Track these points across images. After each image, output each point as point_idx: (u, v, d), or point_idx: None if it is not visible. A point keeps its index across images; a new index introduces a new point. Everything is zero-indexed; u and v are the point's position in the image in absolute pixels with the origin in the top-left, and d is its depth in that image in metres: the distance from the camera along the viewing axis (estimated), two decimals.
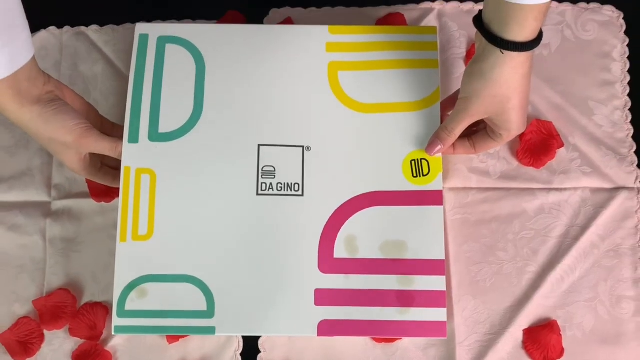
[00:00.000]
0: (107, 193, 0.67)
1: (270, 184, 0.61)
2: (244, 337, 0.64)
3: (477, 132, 0.62)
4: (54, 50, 0.73)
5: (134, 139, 0.61)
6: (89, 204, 0.68)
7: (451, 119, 0.60)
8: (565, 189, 0.67)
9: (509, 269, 0.66)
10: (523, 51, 0.53)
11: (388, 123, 0.63)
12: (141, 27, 0.64)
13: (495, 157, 0.68)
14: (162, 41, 0.64)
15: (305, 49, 0.64)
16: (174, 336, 0.63)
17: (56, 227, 0.67)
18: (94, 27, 0.74)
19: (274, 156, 0.61)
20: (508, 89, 0.55)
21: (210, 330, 0.58)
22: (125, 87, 0.64)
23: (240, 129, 0.62)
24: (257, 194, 0.60)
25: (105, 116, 0.65)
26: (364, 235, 0.60)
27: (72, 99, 0.60)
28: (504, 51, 0.53)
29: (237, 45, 0.64)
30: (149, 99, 0.62)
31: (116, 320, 0.57)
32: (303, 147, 0.62)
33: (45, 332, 0.65)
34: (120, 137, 0.61)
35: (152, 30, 0.64)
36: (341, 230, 0.60)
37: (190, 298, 0.58)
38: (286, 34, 0.65)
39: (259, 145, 0.62)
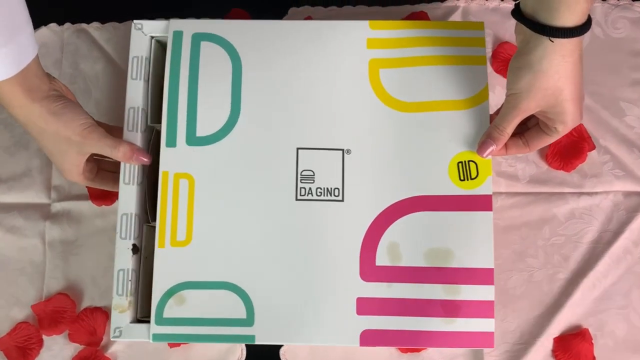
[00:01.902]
0: (107, 196, 0.67)
1: (310, 188, 0.59)
2: (247, 345, 0.64)
3: (529, 128, 0.59)
4: (55, 48, 0.72)
5: (171, 142, 0.60)
6: (89, 206, 0.67)
7: (501, 117, 0.56)
8: (596, 193, 0.65)
9: (540, 276, 0.64)
10: (574, 37, 0.50)
11: (433, 123, 0.60)
12: (175, 24, 0.62)
13: (524, 161, 0.66)
14: (197, 38, 0.62)
15: (344, 46, 0.61)
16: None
17: (55, 230, 0.67)
18: (96, 24, 0.73)
19: (313, 160, 0.59)
20: (559, 79, 0.51)
21: (250, 339, 0.57)
22: (125, 86, 0.62)
23: (278, 131, 0.60)
24: (296, 199, 0.59)
25: (106, 115, 0.64)
26: (407, 242, 0.58)
27: (73, 99, 0.59)
28: (553, 39, 0.50)
29: (273, 42, 0.62)
30: (185, 100, 0.61)
31: (154, 328, 0.57)
32: (343, 150, 0.59)
33: (45, 337, 0.65)
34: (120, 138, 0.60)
35: (186, 26, 0.62)
36: (383, 236, 0.58)
37: (229, 306, 0.57)
38: (325, 29, 0.62)
39: (298, 149, 0.60)
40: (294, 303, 0.57)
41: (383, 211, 0.58)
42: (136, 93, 0.62)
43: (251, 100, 0.61)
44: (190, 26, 0.62)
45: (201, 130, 0.60)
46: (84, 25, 0.73)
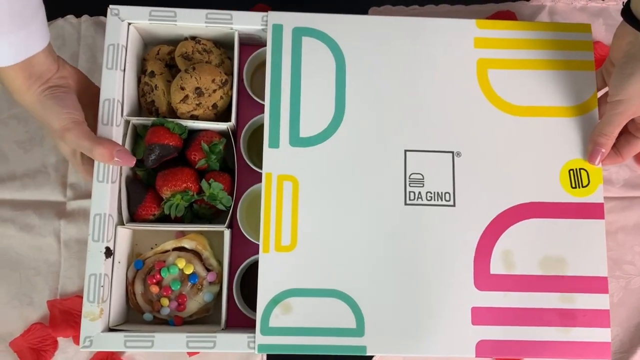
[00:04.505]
0: None
1: (419, 192, 0.57)
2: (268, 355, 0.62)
3: (618, 137, 0.57)
4: (72, 41, 0.69)
5: (274, 143, 0.57)
6: None
7: (607, 123, 0.55)
8: None
9: (637, 283, 0.63)
10: None
11: (543, 128, 0.58)
12: (274, 16, 0.59)
13: (616, 164, 0.65)
14: (298, 33, 0.59)
15: (452, 44, 0.59)
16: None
17: (71, 229, 0.64)
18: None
19: (421, 162, 0.57)
20: None
21: (361, 350, 0.54)
22: None
23: (385, 132, 0.58)
24: (405, 204, 0.56)
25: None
26: (521, 249, 0.56)
27: (83, 91, 0.57)
28: None
29: (378, 38, 0.59)
30: (288, 99, 0.58)
31: (260, 339, 0.54)
32: (453, 152, 0.57)
33: (59, 339, 0.62)
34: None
35: (286, 19, 0.59)
36: (497, 244, 0.56)
37: (337, 315, 0.55)
38: (431, 27, 0.60)
39: (406, 151, 0.57)
40: (406, 312, 0.55)
41: (496, 217, 0.56)
42: (112, 84, 0.58)
43: (356, 99, 0.58)
44: (289, 19, 0.59)
45: (305, 131, 0.57)
46: (102, 17, 0.69)
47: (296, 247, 0.56)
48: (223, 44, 0.63)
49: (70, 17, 0.70)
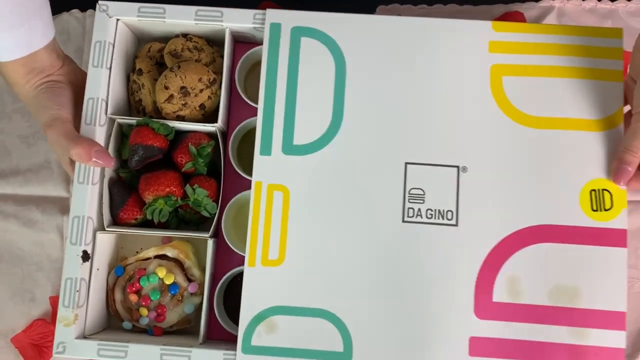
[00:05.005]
0: None
1: (419, 209, 0.52)
2: None
3: None
4: (77, 36, 0.68)
5: (266, 150, 0.54)
6: None
7: (633, 136, 0.49)
8: None
9: None
10: None
11: (563, 142, 0.52)
12: (272, 15, 0.56)
13: None
14: (297, 33, 0.55)
15: (463, 48, 0.54)
16: None
17: None
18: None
19: (423, 177, 0.53)
20: None
21: None
22: None
23: (384, 143, 0.53)
24: (403, 221, 0.52)
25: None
26: (529, 276, 0.51)
27: (81, 93, 0.55)
28: None
29: (383, 40, 0.55)
30: (283, 103, 0.54)
31: (240, 357, 0.51)
32: (458, 167, 0.53)
33: None
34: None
35: (285, 18, 0.56)
36: (502, 269, 0.51)
37: (324, 336, 0.51)
38: (441, 28, 0.55)
39: (406, 164, 0.53)
40: (398, 338, 0.51)
41: (503, 240, 0.51)
42: (97, 82, 0.55)
43: (355, 105, 0.54)
44: (288, 18, 0.56)
45: (299, 138, 0.54)
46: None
47: (284, 261, 0.52)
48: (216, 42, 0.61)
49: (75, 12, 0.69)
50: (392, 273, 0.52)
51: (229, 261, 0.57)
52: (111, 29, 0.57)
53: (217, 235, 0.58)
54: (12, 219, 0.65)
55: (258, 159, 0.54)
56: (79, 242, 0.54)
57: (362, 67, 0.55)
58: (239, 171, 0.57)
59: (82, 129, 0.55)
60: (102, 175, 0.56)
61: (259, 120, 0.54)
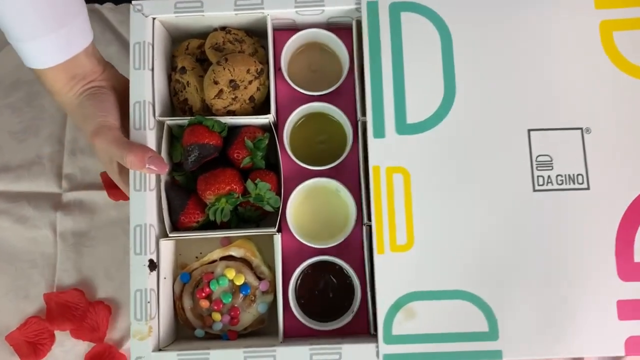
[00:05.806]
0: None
1: (549, 177, 0.51)
2: None
3: None
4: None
5: (379, 133, 0.51)
6: (102, 196, 0.62)
7: None
8: None
9: None
10: None
11: None
12: None
13: None
14: (396, 9, 0.53)
15: (568, 7, 0.53)
16: None
17: (67, 221, 0.62)
18: (109, 5, 0.67)
19: (548, 142, 0.51)
20: None
21: (497, 355, 0.49)
22: None
23: (502, 112, 0.51)
24: (534, 190, 0.50)
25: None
26: None
27: (127, 97, 0.53)
28: None
29: (485, 7, 0.53)
30: (391, 83, 0.52)
31: (383, 348, 0.49)
32: (581, 128, 0.51)
33: (57, 332, 0.60)
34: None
35: None
36: None
37: (467, 317, 0.49)
38: None
39: (529, 131, 0.51)
40: (543, 311, 0.49)
41: (637, 198, 0.50)
42: (141, 85, 0.53)
43: (467, 77, 0.52)
44: None
45: (412, 117, 0.52)
46: (96, 5, 0.67)
47: (413, 245, 0.50)
48: (255, 33, 0.58)
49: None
50: (528, 244, 0.50)
51: (297, 255, 0.54)
52: (148, 29, 0.54)
53: (281, 229, 0.55)
54: (4, 216, 0.63)
55: (372, 142, 0.51)
56: (144, 252, 0.51)
57: (468, 36, 0.53)
58: (297, 161, 0.54)
59: (132, 135, 0.52)
60: (159, 181, 0.54)
61: (368, 102, 0.52)
